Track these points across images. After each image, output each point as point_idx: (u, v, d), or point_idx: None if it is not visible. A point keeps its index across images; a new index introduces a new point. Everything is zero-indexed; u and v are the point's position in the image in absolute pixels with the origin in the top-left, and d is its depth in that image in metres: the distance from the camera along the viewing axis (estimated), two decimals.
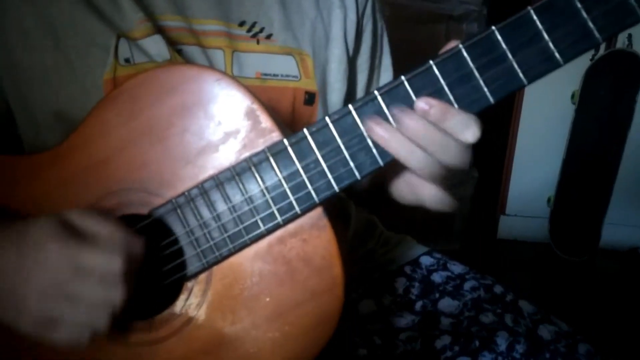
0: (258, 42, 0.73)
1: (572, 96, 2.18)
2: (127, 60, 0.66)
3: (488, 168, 2.35)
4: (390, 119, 0.51)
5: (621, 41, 2.09)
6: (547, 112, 2.26)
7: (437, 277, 0.90)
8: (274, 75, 0.73)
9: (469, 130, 0.50)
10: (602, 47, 2.10)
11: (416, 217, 2.08)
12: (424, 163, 0.51)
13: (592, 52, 2.09)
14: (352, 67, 0.82)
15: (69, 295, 0.51)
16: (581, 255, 2.31)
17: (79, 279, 0.51)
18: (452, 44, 0.50)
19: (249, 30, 0.73)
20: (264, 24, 0.73)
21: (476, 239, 2.36)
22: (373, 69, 0.86)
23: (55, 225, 0.52)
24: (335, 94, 0.79)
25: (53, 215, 0.53)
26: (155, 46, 0.67)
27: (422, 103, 0.50)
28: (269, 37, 0.73)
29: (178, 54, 0.68)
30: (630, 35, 2.05)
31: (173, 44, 0.68)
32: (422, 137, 0.50)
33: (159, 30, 0.67)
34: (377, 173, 0.54)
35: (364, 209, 0.99)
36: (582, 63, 2.10)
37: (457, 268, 0.91)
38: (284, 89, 0.74)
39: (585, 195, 2.28)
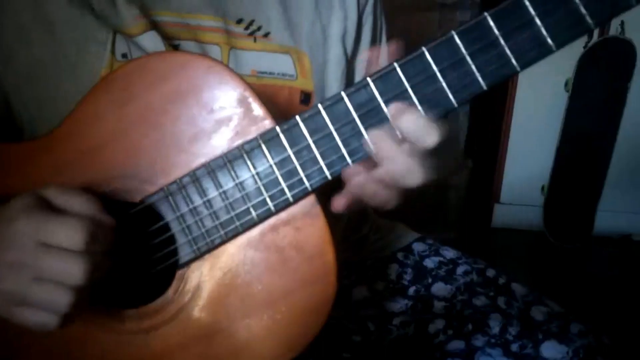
0: (255, 40, 0.72)
1: (566, 84, 2.17)
2: (124, 56, 0.66)
3: (482, 157, 2.35)
4: (384, 107, 0.51)
5: (614, 28, 2.08)
6: (541, 100, 2.26)
7: (429, 263, 0.90)
8: (270, 73, 0.73)
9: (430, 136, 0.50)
10: (595, 34, 2.09)
11: (411, 207, 2.09)
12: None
13: (585, 39, 2.09)
14: (351, 67, 0.82)
15: (33, 271, 0.50)
16: (575, 242, 2.32)
17: (42, 253, 0.50)
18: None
19: (246, 28, 0.72)
20: (261, 22, 0.73)
21: (470, 227, 2.36)
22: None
23: (29, 200, 0.51)
24: (333, 93, 0.78)
25: (32, 191, 0.53)
26: (152, 42, 0.66)
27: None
28: (266, 35, 0.73)
29: (175, 49, 0.68)
30: (623, 22, 2.05)
31: (170, 39, 0.68)
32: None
33: (155, 26, 0.67)
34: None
35: None
36: (575, 51, 2.09)
37: (449, 253, 0.92)
38: (280, 87, 0.73)
39: (579, 183, 2.29)
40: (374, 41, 0.83)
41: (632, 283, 2.11)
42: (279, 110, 0.72)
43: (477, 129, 2.26)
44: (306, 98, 0.75)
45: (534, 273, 2.19)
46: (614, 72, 2.14)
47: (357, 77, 0.83)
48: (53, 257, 0.50)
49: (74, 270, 0.50)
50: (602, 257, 2.31)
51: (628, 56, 2.10)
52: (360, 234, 0.95)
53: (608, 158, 2.22)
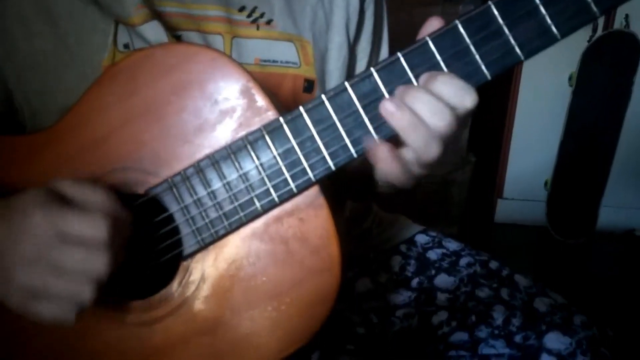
0: (258, 28, 0.72)
1: (570, 78, 2.17)
2: (126, 46, 0.66)
3: (485, 152, 2.35)
4: (386, 94, 0.51)
5: (618, 22, 2.08)
6: (544, 94, 2.26)
7: (432, 255, 0.90)
8: (274, 61, 0.73)
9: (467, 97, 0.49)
10: (600, 28, 2.09)
11: (414, 203, 2.09)
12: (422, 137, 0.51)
13: (589, 33, 2.08)
14: (352, 54, 0.82)
15: (52, 263, 0.49)
16: (578, 237, 2.32)
17: (62, 246, 0.49)
18: (434, 22, 0.50)
19: (249, 16, 0.72)
20: (264, 9, 0.72)
21: (473, 223, 2.36)
22: (372, 56, 0.85)
23: (43, 193, 0.51)
24: (334, 81, 0.79)
25: (43, 187, 0.52)
26: (154, 32, 0.66)
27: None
28: (269, 22, 0.73)
29: (177, 40, 0.68)
30: (627, 16, 2.04)
31: (172, 29, 0.68)
32: (425, 108, 0.49)
33: (158, 15, 0.67)
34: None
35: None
36: (579, 45, 2.09)
37: (452, 245, 0.92)
38: (283, 75, 0.73)
39: (582, 178, 2.28)
40: (375, 31, 0.83)
41: (635, 279, 2.11)
42: (283, 99, 0.72)
43: (480, 124, 2.25)
44: (309, 86, 0.75)
45: (537, 268, 2.18)
46: (618, 66, 2.13)
47: (358, 64, 0.83)
48: (76, 249, 0.50)
49: (99, 263, 0.50)
50: (605, 253, 2.31)
51: (633, 50, 2.09)
52: (363, 227, 0.95)
53: (612, 153, 2.22)
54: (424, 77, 0.50)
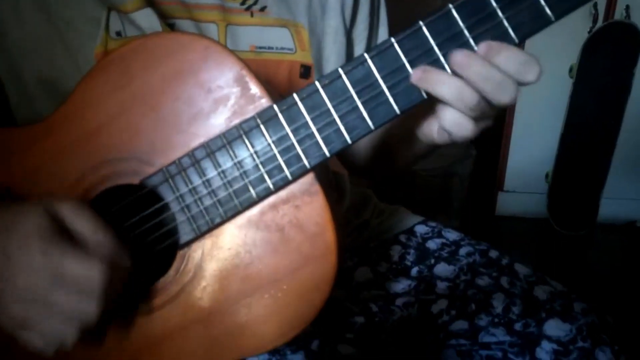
0: (252, 15, 0.72)
1: (570, 70, 2.16)
2: (118, 34, 0.66)
3: (486, 145, 2.34)
4: (381, 82, 0.51)
5: (619, 13, 2.07)
6: (545, 86, 2.25)
7: (432, 244, 0.90)
8: (269, 48, 0.73)
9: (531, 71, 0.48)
10: (600, 19, 2.08)
11: (415, 195, 2.09)
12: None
13: (589, 24, 2.07)
14: (350, 39, 0.82)
15: (44, 301, 0.50)
16: (579, 229, 2.32)
17: (56, 286, 0.50)
18: None
19: (242, 3, 0.72)
20: None
21: (474, 215, 2.36)
22: (371, 39, 0.85)
23: (44, 220, 0.51)
24: (331, 66, 0.79)
25: (44, 205, 0.52)
26: (147, 19, 0.66)
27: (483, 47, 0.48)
28: (263, 9, 0.73)
29: (170, 28, 0.68)
30: (628, 7, 2.03)
31: (166, 17, 0.68)
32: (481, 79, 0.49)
33: (151, 3, 0.67)
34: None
35: (360, 182, 0.99)
36: (579, 36, 2.08)
37: (451, 235, 0.92)
38: (279, 62, 0.73)
39: (583, 170, 2.28)
40: (372, 14, 0.83)
41: (637, 271, 2.11)
42: (280, 85, 0.71)
43: None
44: (306, 71, 0.75)
45: (538, 260, 2.18)
46: (619, 58, 2.12)
47: (356, 48, 0.83)
48: (67, 295, 0.50)
49: (87, 312, 0.51)
50: (606, 245, 2.31)
51: (633, 41, 2.08)
52: (363, 218, 0.95)
53: (613, 144, 2.21)
54: (484, 46, 0.48)
